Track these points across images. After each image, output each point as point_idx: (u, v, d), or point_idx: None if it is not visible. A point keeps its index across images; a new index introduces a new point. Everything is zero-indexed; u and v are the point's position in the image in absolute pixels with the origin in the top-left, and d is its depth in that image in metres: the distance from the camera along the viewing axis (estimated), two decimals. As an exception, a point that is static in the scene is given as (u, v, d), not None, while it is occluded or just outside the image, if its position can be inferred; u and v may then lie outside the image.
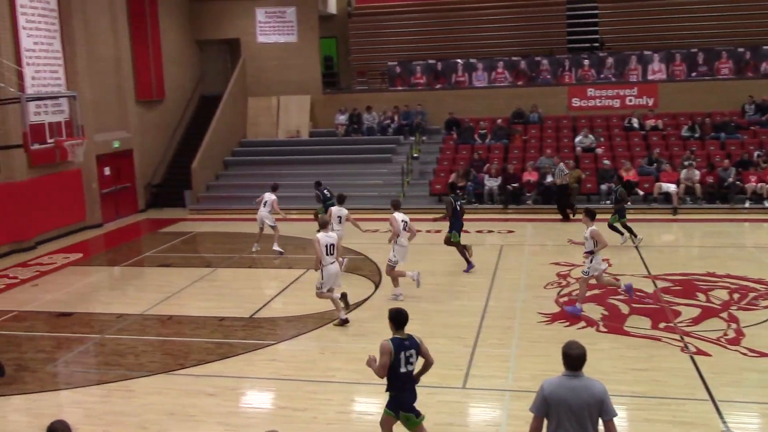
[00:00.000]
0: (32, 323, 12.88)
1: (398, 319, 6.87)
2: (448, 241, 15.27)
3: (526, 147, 24.09)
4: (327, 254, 11.69)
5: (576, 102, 25.71)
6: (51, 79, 19.79)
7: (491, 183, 21.97)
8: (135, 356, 11.04)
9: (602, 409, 5.63)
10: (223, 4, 27.61)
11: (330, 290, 11.96)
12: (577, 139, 23.76)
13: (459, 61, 27.31)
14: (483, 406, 9.11)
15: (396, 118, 26.29)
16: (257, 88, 27.69)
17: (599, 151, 23.15)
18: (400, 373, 6.84)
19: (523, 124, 25.23)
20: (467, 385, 9.54)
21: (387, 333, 11.54)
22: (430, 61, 27.66)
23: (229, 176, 25.54)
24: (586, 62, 26.39)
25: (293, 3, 27.23)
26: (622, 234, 17.06)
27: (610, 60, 26.31)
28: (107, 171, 22.41)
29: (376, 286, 14.20)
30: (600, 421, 5.64)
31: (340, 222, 14.53)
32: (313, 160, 25.26)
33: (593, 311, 12.15)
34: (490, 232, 19.02)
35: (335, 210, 14.68)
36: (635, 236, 16.97)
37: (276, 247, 16.99)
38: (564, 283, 13.93)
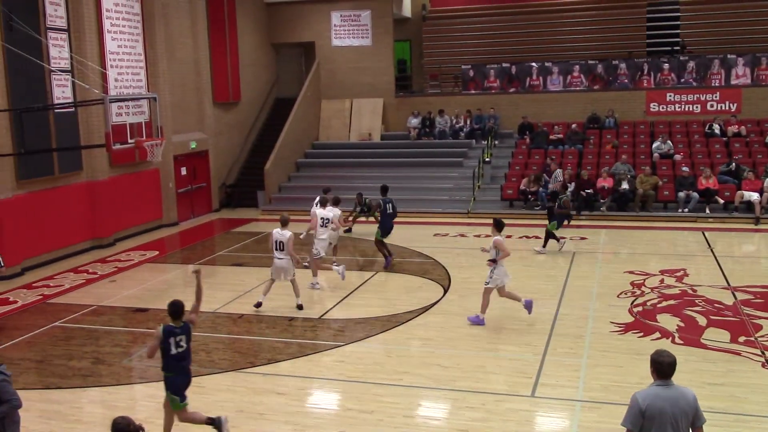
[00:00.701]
0: (110, 318, 13.28)
1: (172, 310, 7.89)
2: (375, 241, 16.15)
3: (600, 152, 23.61)
4: (276, 249, 12.98)
5: (654, 107, 25.05)
6: (133, 81, 20.41)
7: (564, 188, 21.57)
8: (206, 353, 11.24)
9: (696, 415, 5.62)
10: (299, 8, 28.00)
11: (273, 280, 13.23)
12: (655, 144, 23.15)
13: (534, 64, 26.96)
14: (552, 415, 8.93)
15: (468, 121, 26.14)
16: (331, 90, 27.97)
17: (678, 157, 22.49)
18: (171, 355, 7.87)
19: (599, 129, 24.74)
20: (536, 393, 9.37)
21: (456, 337, 11.51)
22: (504, 65, 27.38)
23: (301, 178, 25.83)
24: (666, 66, 25.68)
25: (368, 7, 27.40)
26: (562, 239, 17.09)
27: (691, 64, 25.53)
28: (183, 171, 22.97)
29: (445, 290, 14.12)
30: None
31: (323, 225, 14.80)
32: (385, 163, 25.32)
33: (669, 322, 11.80)
34: (562, 238, 18.69)
35: (319, 212, 15.12)
36: (544, 246, 17.02)
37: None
38: (638, 292, 13.57)
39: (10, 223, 16.21)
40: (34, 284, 15.75)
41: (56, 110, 17.52)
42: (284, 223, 13.08)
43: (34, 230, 16.98)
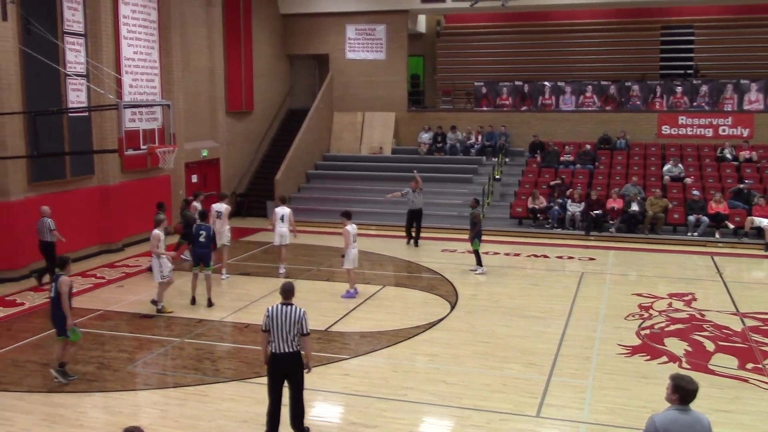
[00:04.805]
0: (116, 323, 13.30)
1: None
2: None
3: (611, 173, 23.59)
4: None
5: (666, 130, 25.04)
6: (147, 87, 20.52)
7: (574, 208, 21.56)
8: (212, 362, 11.24)
9: None
10: (315, 20, 28.14)
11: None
12: (666, 167, 23.11)
13: (546, 83, 27.00)
14: (556, 436, 8.88)
15: (479, 138, 26.16)
16: (343, 103, 28.06)
17: (688, 180, 22.44)
18: None
19: (610, 150, 24.73)
20: (541, 414, 9.32)
21: (462, 354, 11.47)
22: (517, 83, 27.43)
23: (311, 189, 25.88)
24: (679, 89, 25.66)
25: (383, 21, 27.52)
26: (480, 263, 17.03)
27: (704, 88, 25.50)
28: (194, 178, 23.04)
29: (452, 307, 14.09)
30: None
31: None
32: (395, 177, 25.30)
33: (676, 347, 11.74)
34: (570, 258, 18.65)
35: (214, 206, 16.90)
36: (481, 265, 16.95)
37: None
38: (646, 315, 13.51)
39: (21, 225, 16.27)
40: (41, 287, 15.79)
41: (70, 114, 17.61)
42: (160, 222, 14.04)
43: (43, 233, 17.01)
